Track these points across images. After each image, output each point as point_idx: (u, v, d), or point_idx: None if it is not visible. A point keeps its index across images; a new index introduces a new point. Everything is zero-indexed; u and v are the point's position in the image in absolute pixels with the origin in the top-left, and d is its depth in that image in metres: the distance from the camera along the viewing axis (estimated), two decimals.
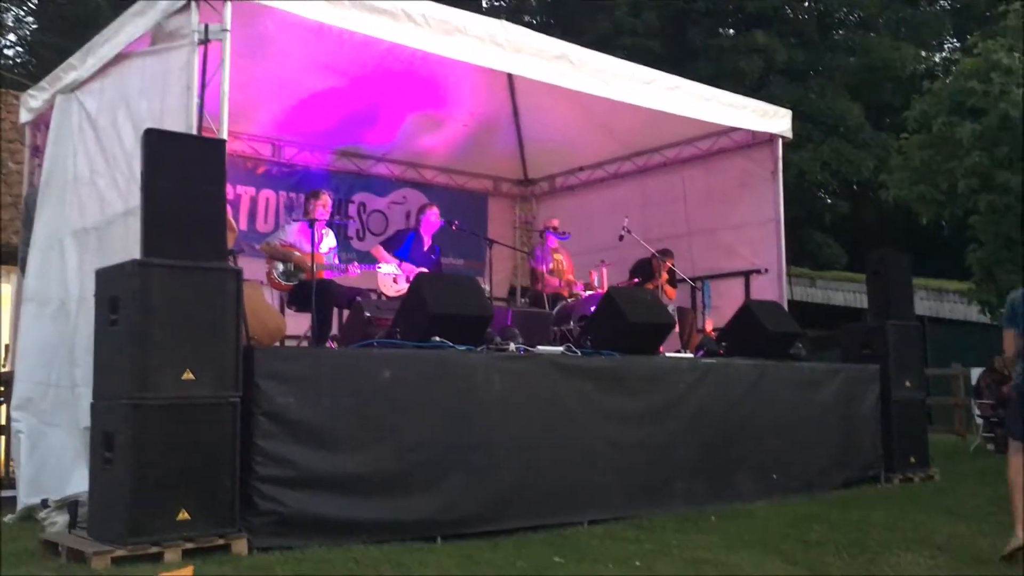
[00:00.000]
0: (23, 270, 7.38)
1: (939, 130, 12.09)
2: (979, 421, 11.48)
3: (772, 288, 9.35)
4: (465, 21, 6.82)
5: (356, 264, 8.04)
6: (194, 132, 5.43)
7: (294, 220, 8.39)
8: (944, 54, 24.79)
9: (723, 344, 7.89)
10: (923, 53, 23.83)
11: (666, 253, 9.48)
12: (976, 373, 11.84)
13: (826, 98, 21.90)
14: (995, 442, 10.71)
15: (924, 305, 16.72)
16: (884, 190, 13.62)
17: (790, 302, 9.30)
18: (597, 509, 6.06)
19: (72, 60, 7.18)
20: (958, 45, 23.16)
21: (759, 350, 7.59)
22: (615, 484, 6.24)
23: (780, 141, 9.42)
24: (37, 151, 7.99)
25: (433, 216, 8.65)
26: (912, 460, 8.24)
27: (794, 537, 5.63)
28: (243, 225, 9.41)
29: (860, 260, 14.11)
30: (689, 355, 7.81)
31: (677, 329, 8.65)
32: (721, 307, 9.42)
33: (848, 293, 18.00)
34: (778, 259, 9.38)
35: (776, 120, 9.29)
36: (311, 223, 7.35)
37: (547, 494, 5.89)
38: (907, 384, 8.33)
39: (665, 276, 9.36)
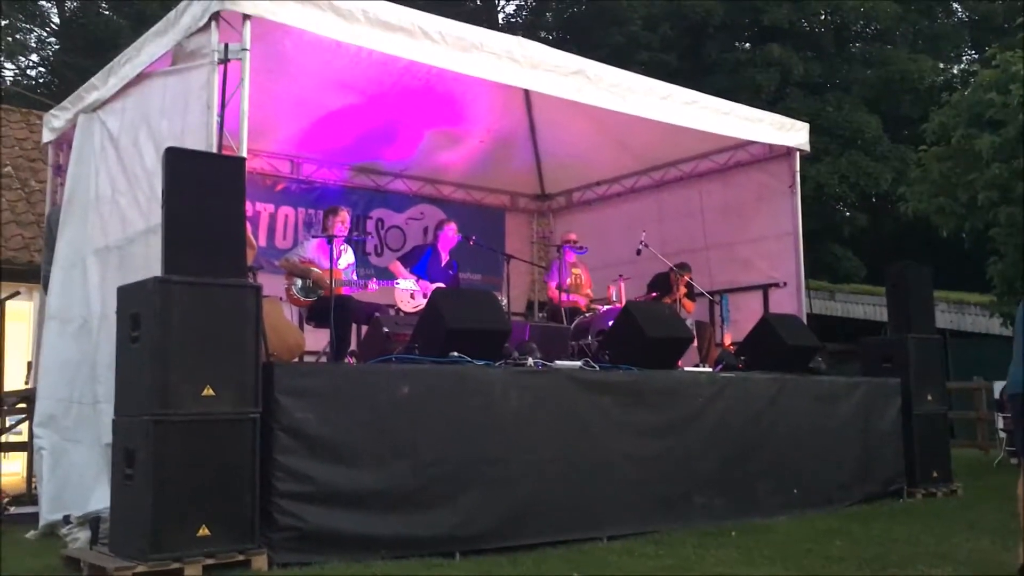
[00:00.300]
0: (45, 288, 7.46)
1: (958, 142, 12.02)
2: (1002, 435, 11.37)
3: (791, 302, 9.32)
4: (482, 38, 6.87)
5: (375, 280, 8.08)
6: (214, 150, 5.48)
7: (312, 236, 8.44)
8: (962, 66, 24.67)
9: (742, 358, 7.86)
10: (941, 65, 23.74)
11: (684, 267, 9.47)
12: (999, 386, 11.71)
13: (843, 111, 21.85)
14: (1019, 456, 10.59)
15: (945, 318, 16.58)
16: (903, 203, 13.55)
17: (809, 315, 9.26)
18: (616, 524, 6.04)
19: (94, 80, 7.28)
20: (976, 57, 23.06)
21: (778, 364, 7.56)
22: (634, 499, 6.22)
23: (797, 154, 9.41)
24: (59, 170, 8.10)
25: (451, 231, 8.69)
26: (935, 475, 8.17)
27: (815, 552, 5.59)
28: (262, 242, 9.47)
29: (879, 273, 14.04)
30: (707, 369, 7.78)
31: (695, 343, 8.62)
32: (739, 321, 9.38)
33: (868, 306, 17.87)
34: (796, 272, 9.35)
35: (793, 133, 9.29)
36: (329, 239, 7.39)
37: (566, 509, 5.88)
38: (929, 398, 8.26)
39: (683, 290, 9.34)
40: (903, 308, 8.50)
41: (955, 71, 24.32)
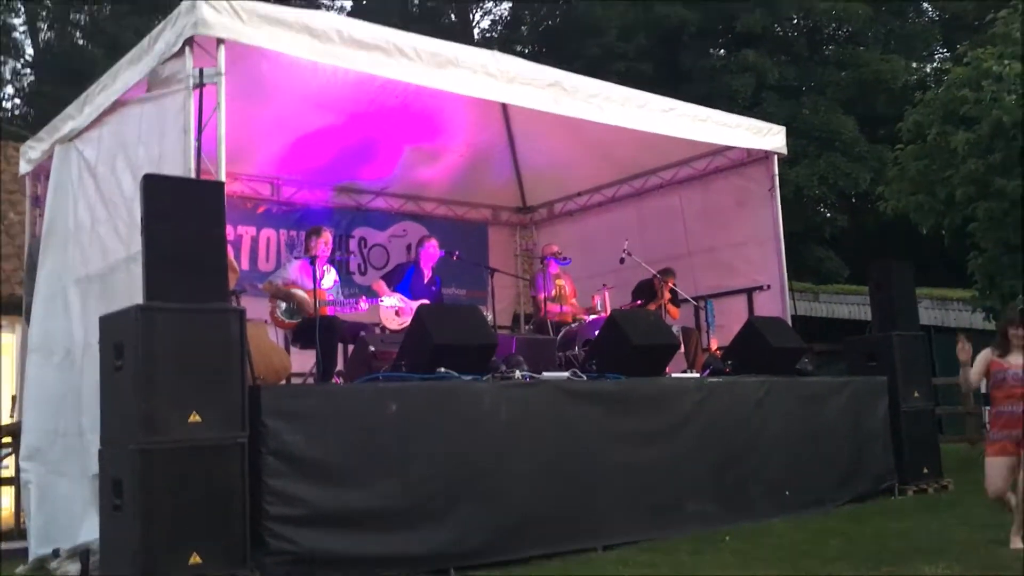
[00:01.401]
0: (28, 320, 7.41)
1: (933, 140, 12.12)
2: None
3: (775, 304, 9.36)
4: (456, 53, 6.88)
5: (364, 299, 8.06)
6: (192, 175, 5.47)
7: (295, 258, 8.41)
8: (935, 64, 24.88)
9: (728, 362, 7.88)
10: (914, 64, 23.95)
11: (668, 272, 9.50)
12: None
13: (819, 113, 21.99)
14: None
15: (928, 314, 16.64)
16: (882, 202, 13.63)
17: (793, 317, 9.29)
18: (610, 534, 6.04)
19: (69, 110, 7.25)
20: (948, 55, 23.27)
21: (765, 367, 7.58)
22: (627, 508, 6.22)
23: (776, 158, 9.47)
24: (38, 201, 8.04)
25: (432, 248, 8.68)
26: (925, 471, 8.20)
27: (811, 553, 5.60)
28: (245, 265, 9.43)
29: (862, 272, 14.10)
30: (695, 375, 7.80)
31: (682, 349, 8.64)
32: (725, 325, 9.40)
33: (852, 306, 17.94)
34: (780, 275, 9.39)
35: (770, 137, 9.34)
36: (312, 260, 7.37)
37: (559, 521, 5.87)
38: (916, 395, 8.31)
39: (668, 295, 9.36)
40: (887, 306, 8.55)
41: (928, 70, 24.53)
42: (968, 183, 11.47)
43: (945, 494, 8.08)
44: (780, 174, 9.59)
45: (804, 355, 8.04)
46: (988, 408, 5.86)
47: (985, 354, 5.79)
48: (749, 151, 9.50)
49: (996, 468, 5.59)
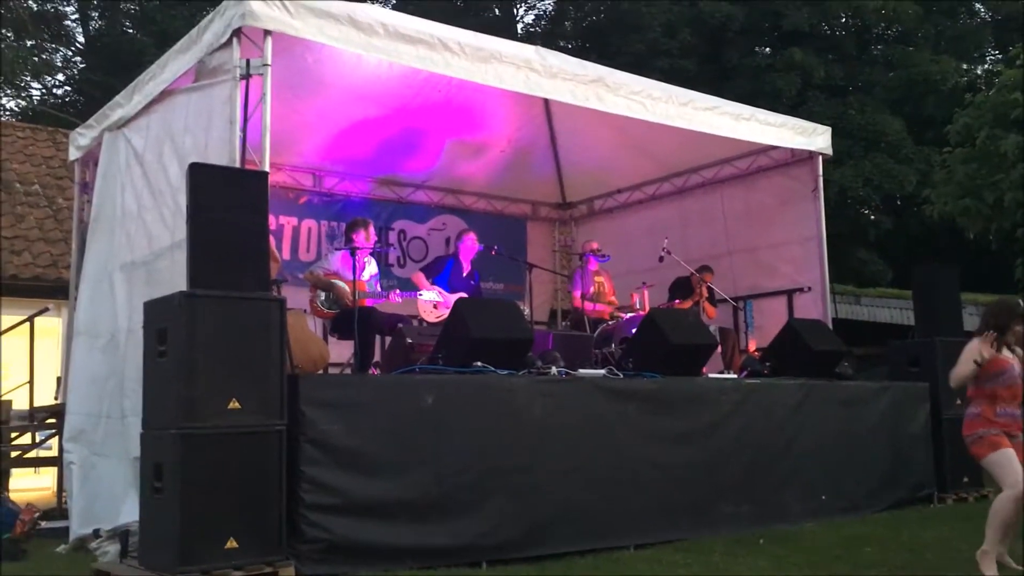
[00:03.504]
0: (74, 303, 7.55)
1: (983, 143, 11.92)
2: None
3: (816, 306, 9.26)
4: (500, 48, 6.89)
5: (398, 292, 8.11)
6: (237, 165, 5.53)
7: (336, 249, 8.48)
8: (986, 66, 24.43)
9: (767, 364, 7.81)
10: (964, 66, 23.50)
11: (705, 269, 9.43)
12: None
13: (866, 113, 21.67)
14: None
15: (973, 321, 16.33)
16: (928, 205, 13.44)
17: (834, 320, 9.20)
18: (642, 533, 6.02)
19: (119, 98, 7.37)
20: (1000, 57, 22.84)
21: (804, 369, 7.51)
22: (660, 507, 6.20)
23: (820, 158, 9.35)
24: (86, 187, 8.19)
25: (471, 241, 8.70)
26: (965, 479, 8.07)
27: (845, 559, 5.55)
28: (286, 255, 9.53)
29: (906, 276, 13.91)
30: (732, 376, 7.74)
31: (720, 350, 8.58)
32: (764, 326, 9.33)
33: (894, 310, 17.65)
34: (821, 277, 9.29)
35: (815, 137, 9.23)
36: (352, 251, 7.43)
37: (591, 518, 5.86)
38: (958, 402, 8.14)
39: (705, 292, 9.29)
40: (930, 311, 8.42)
41: (979, 72, 24.09)
42: (1017, 188, 11.28)
43: (985, 504, 7.90)
44: (824, 175, 9.49)
45: (844, 359, 7.94)
46: (973, 408, 5.18)
47: (975, 349, 5.18)
48: (793, 151, 9.39)
49: (1011, 458, 5.02)
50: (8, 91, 21.54)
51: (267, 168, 5.61)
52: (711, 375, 7.59)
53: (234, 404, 4.79)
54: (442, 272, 8.51)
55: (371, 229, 7.91)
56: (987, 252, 14.46)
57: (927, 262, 10.13)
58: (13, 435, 8.13)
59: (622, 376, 6.52)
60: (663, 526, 6.14)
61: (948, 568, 5.24)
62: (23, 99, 22.56)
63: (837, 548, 5.86)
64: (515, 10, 28.51)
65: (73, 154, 8.41)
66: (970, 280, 13.28)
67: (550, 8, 28.22)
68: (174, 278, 5.50)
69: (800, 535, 6.32)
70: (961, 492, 7.99)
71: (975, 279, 16.65)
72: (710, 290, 9.39)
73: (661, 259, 9.15)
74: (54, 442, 7.90)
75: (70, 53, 24.36)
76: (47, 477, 8.98)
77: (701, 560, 5.53)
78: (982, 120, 12.13)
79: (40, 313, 8.56)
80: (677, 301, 9.27)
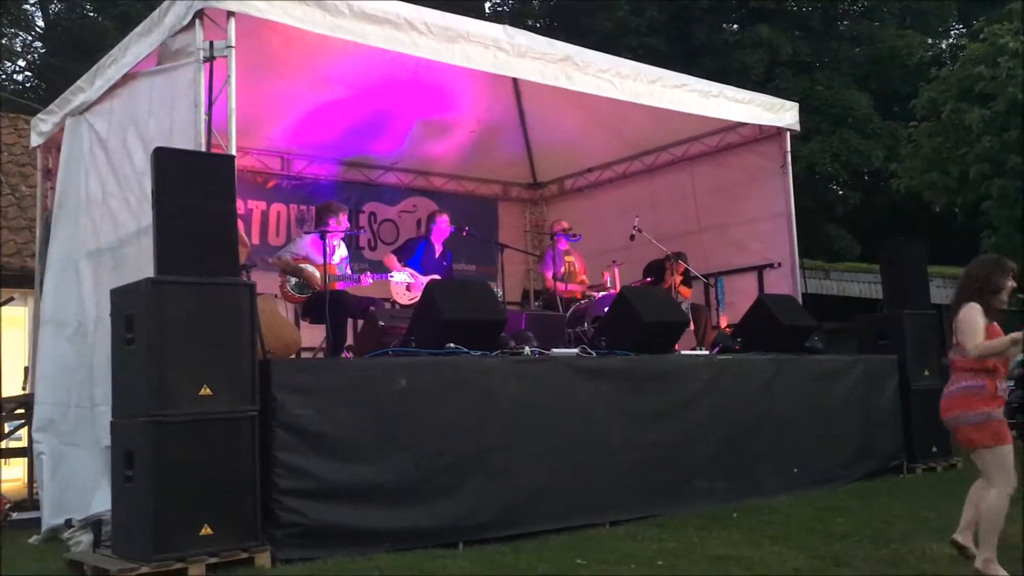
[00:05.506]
0: (40, 292, 7.44)
1: (948, 117, 12.05)
2: None
3: (785, 282, 9.33)
4: (468, 27, 6.84)
5: (369, 274, 8.06)
6: (203, 149, 5.47)
7: (305, 233, 8.41)
8: (951, 41, 24.63)
9: (738, 340, 7.88)
10: (929, 40, 23.70)
11: (679, 256, 9.45)
12: None
13: (833, 89, 21.80)
14: (1018, 428, 10.61)
15: (940, 293, 16.52)
16: (895, 179, 13.57)
17: (804, 295, 9.27)
18: (618, 510, 6.06)
19: (80, 83, 7.24)
20: (964, 31, 23.01)
21: (775, 344, 7.57)
22: (635, 484, 6.24)
23: (788, 134, 9.41)
24: (49, 174, 8.07)
25: (443, 223, 8.66)
26: (934, 449, 8.20)
27: (817, 530, 5.62)
28: (255, 239, 9.45)
29: (874, 250, 14.04)
30: (704, 352, 7.79)
31: (692, 327, 8.63)
32: (735, 303, 9.39)
33: (863, 284, 17.84)
34: (791, 252, 9.36)
35: (783, 113, 9.28)
36: (322, 235, 7.37)
37: (567, 496, 5.89)
38: (926, 373, 8.28)
39: (678, 278, 9.32)
40: (898, 284, 8.52)
41: (943, 46, 24.29)
42: (982, 161, 11.41)
43: (954, 473, 8.08)
44: (792, 151, 9.54)
45: (814, 333, 8.02)
46: (971, 381, 4.62)
47: (976, 318, 4.61)
48: (761, 127, 9.43)
49: (1012, 457, 4.68)
50: None
51: (233, 152, 5.55)
52: (684, 352, 7.63)
53: (205, 391, 4.75)
54: (414, 254, 8.47)
55: (343, 217, 7.84)
56: (954, 225, 14.64)
57: (894, 236, 10.20)
58: None
59: (595, 355, 6.54)
60: (638, 503, 6.18)
61: (918, 537, 5.32)
62: None
63: (810, 520, 5.93)
64: None
65: (35, 140, 8.27)
66: (937, 253, 13.44)
67: None
68: (141, 265, 5.43)
69: (774, 508, 6.38)
70: (930, 462, 8.11)
71: (942, 253, 16.84)
72: (684, 274, 9.40)
73: (632, 237, 9.16)
74: (23, 432, 7.80)
75: (30, 38, 23.92)
76: (17, 468, 8.87)
77: (675, 535, 5.57)
78: (947, 94, 12.24)
79: (6, 303, 8.43)
80: (649, 280, 9.29)
